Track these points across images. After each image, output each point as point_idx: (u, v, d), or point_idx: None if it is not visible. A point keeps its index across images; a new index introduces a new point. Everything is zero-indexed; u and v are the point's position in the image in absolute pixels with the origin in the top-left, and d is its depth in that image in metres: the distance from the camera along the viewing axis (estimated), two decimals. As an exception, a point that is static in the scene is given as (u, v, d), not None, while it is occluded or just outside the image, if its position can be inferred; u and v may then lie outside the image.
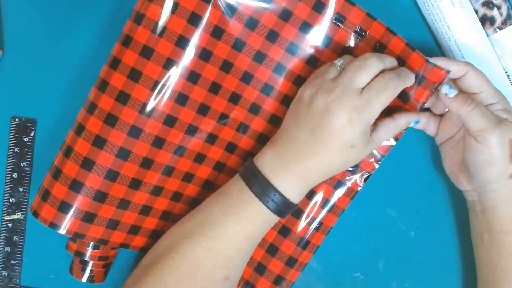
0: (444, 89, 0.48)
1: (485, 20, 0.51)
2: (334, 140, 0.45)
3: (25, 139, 0.57)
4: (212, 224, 0.47)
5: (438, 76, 0.48)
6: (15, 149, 0.57)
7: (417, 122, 0.51)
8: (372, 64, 0.45)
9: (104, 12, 0.55)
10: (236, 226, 0.47)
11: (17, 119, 0.56)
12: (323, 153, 0.45)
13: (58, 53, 0.56)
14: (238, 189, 0.47)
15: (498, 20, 0.51)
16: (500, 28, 0.51)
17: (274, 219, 0.48)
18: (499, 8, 0.51)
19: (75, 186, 0.48)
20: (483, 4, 0.51)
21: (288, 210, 0.47)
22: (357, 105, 0.44)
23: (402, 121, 0.48)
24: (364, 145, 0.46)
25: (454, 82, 0.50)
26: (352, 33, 0.50)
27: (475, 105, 0.47)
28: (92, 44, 0.56)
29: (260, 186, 0.46)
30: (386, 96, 0.45)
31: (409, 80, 0.47)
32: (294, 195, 0.47)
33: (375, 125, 0.48)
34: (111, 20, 0.55)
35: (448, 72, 0.48)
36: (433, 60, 0.48)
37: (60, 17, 0.56)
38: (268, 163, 0.47)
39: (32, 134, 0.57)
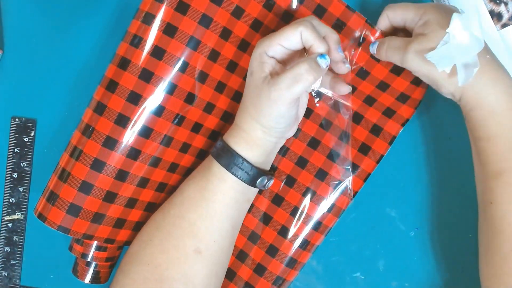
0: (372, 49, 0.51)
1: (492, 16, 0.51)
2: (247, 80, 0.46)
3: (25, 139, 0.56)
4: (178, 191, 0.49)
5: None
6: (15, 149, 0.56)
7: (323, 56, 0.45)
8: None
9: (104, 11, 0.55)
10: (195, 186, 0.47)
11: (17, 119, 0.56)
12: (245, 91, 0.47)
13: (58, 53, 0.55)
14: (207, 160, 0.49)
15: (505, 16, 0.51)
16: (507, 24, 0.51)
17: (235, 182, 0.47)
18: (506, 4, 0.51)
19: (85, 187, 0.47)
20: (491, 0, 0.51)
21: (243, 168, 0.46)
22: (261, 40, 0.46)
23: (299, 64, 0.44)
24: (261, 76, 0.44)
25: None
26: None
27: (386, 45, 0.49)
28: (91, 44, 0.55)
29: (221, 150, 0.47)
30: (283, 30, 0.44)
31: (309, 25, 0.45)
32: (244, 150, 0.46)
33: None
34: (111, 20, 0.55)
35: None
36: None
37: (60, 17, 0.55)
38: (229, 133, 0.48)
39: (32, 134, 0.56)
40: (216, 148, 0.47)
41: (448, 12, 0.45)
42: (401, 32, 0.52)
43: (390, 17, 0.50)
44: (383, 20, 0.50)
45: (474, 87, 0.45)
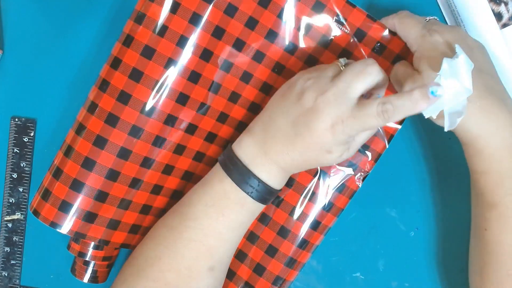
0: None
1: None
2: (312, 140, 0.43)
3: (25, 139, 0.56)
4: (193, 215, 0.46)
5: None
6: (15, 149, 0.56)
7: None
8: (372, 72, 0.43)
9: (104, 12, 0.55)
10: (218, 216, 0.46)
11: (17, 119, 0.56)
12: (300, 149, 0.44)
13: (58, 53, 0.55)
14: (219, 179, 0.46)
15: (505, 16, 0.51)
16: (507, 24, 0.51)
17: (257, 206, 0.47)
18: (506, 4, 0.51)
19: (76, 185, 0.47)
20: (491, 0, 0.51)
21: (271, 197, 0.46)
22: (344, 116, 0.42)
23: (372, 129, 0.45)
24: (341, 152, 0.45)
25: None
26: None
27: (392, 73, 0.47)
28: (92, 44, 0.55)
29: (240, 174, 0.45)
30: (372, 120, 0.42)
31: (407, 109, 0.41)
32: (275, 182, 0.46)
33: None
34: (111, 20, 0.55)
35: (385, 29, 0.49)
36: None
37: (60, 17, 0.55)
38: (247, 150, 0.46)
39: (32, 134, 0.56)
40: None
41: (441, 52, 0.44)
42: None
43: (397, 27, 0.48)
44: (390, 24, 0.49)
45: (467, 123, 0.44)
